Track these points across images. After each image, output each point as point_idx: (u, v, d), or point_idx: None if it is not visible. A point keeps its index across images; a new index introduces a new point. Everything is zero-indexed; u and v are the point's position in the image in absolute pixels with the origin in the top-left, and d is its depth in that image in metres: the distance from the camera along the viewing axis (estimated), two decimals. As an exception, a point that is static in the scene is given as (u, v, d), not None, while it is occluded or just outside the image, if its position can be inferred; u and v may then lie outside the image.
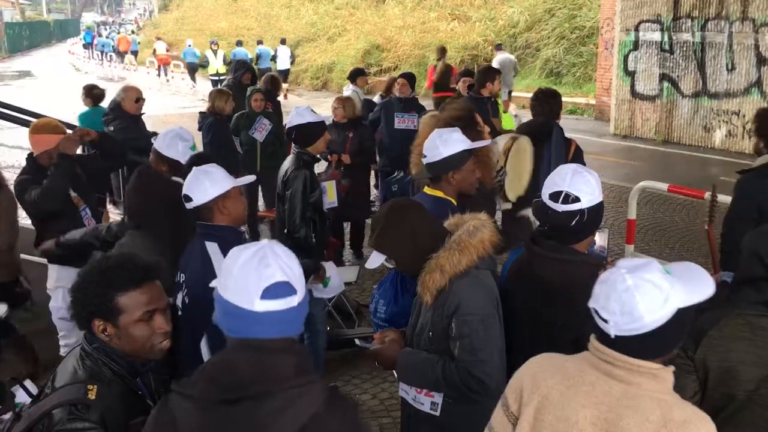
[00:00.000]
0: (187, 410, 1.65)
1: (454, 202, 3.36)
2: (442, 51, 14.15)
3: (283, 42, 22.52)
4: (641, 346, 1.71)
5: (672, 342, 1.76)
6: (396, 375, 2.69)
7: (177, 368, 3.11)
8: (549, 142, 4.75)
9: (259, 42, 23.23)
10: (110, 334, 2.08)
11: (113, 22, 67.83)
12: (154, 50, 29.14)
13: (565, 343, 2.46)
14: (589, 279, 2.51)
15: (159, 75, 28.13)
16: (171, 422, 1.66)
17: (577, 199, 2.47)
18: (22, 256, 4.83)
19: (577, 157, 4.79)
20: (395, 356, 2.63)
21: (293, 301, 1.68)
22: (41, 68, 35.10)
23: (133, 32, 37.46)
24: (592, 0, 18.28)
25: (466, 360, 2.43)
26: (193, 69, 24.64)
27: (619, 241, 6.52)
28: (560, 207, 2.48)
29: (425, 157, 3.40)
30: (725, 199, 5.13)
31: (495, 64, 17.05)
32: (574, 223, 2.48)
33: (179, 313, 3.15)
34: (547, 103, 4.99)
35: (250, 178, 3.43)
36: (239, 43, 22.74)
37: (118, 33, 42.05)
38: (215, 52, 20.77)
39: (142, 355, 2.13)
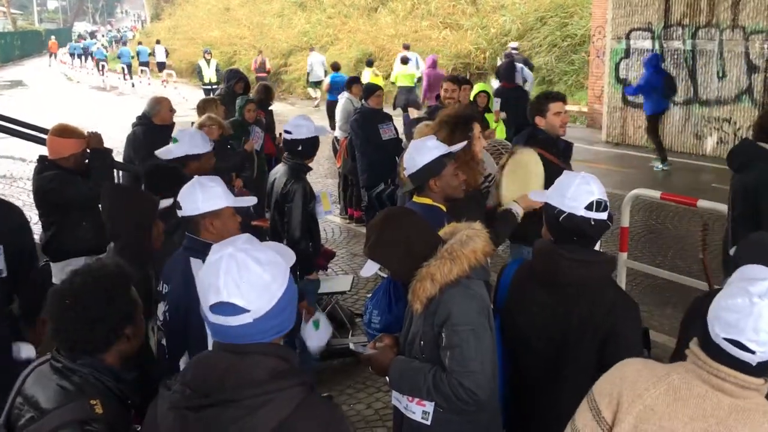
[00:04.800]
0: (165, 412, 1.65)
1: (444, 209, 3.37)
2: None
3: (158, 42, 29.47)
4: None
5: None
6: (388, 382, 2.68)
7: (153, 380, 3.05)
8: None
9: (140, 43, 31.06)
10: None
11: (108, 30, 67.73)
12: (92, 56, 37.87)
13: (593, 344, 2.47)
14: (609, 277, 2.67)
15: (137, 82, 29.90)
16: (154, 420, 1.68)
17: (608, 204, 2.59)
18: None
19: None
20: (388, 362, 2.61)
21: (245, 318, 1.63)
22: (33, 78, 35.00)
23: (125, 43, 39.26)
24: (584, 8, 18.33)
25: (456, 370, 2.41)
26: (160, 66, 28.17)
27: (612, 248, 6.51)
28: (604, 215, 2.55)
29: (405, 169, 3.42)
30: (717, 206, 5.19)
31: (309, 61, 19.78)
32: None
33: (158, 323, 3.04)
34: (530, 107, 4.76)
35: (251, 200, 3.27)
36: (124, 43, 30.93)
37: (108, 41, 45.52)
38: (208, 62, 20.70)
39: None
